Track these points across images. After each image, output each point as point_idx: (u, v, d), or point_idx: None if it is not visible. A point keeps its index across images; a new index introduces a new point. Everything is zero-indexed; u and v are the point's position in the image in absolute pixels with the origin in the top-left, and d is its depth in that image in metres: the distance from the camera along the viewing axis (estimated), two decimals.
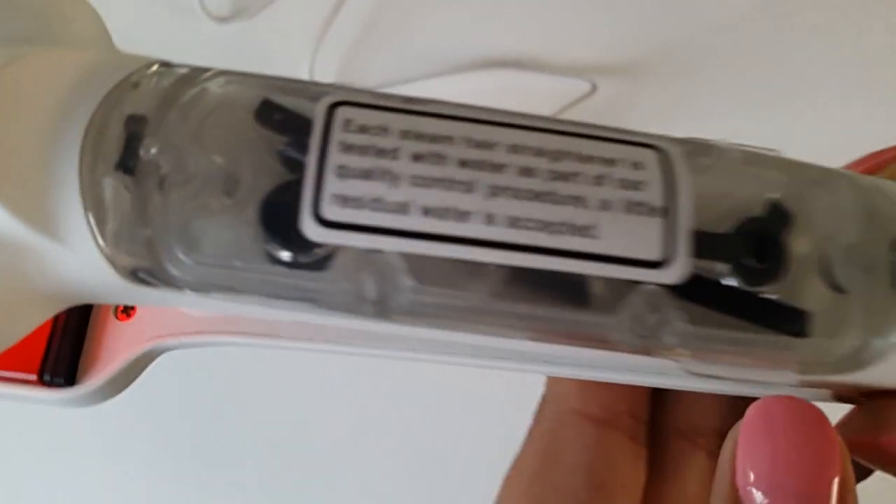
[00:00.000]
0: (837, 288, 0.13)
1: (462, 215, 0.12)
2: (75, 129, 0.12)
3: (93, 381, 0.17)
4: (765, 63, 0.44)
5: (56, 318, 0.17)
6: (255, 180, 0.12)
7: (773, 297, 0.13)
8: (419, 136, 0.12)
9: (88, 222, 0.12)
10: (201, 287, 0.12)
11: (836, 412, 0.15)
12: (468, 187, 0.12)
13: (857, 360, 0.13)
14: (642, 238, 0.12)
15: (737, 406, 0.18)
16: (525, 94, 0.43)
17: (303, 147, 0.12)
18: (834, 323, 0.13)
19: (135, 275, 0.12)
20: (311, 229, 0.11)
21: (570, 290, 0.13)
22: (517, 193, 0.12)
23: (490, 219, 0.12)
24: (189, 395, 0.40)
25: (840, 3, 0.43)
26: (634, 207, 0.12)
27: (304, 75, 0.41)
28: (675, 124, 0.48)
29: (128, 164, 0.12)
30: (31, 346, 0.17)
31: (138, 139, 0.12)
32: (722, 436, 0.18)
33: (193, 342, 0.17)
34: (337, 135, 0.12)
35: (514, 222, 0.12)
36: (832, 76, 0.43)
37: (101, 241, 0.12)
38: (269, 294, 0.12)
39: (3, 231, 0.11)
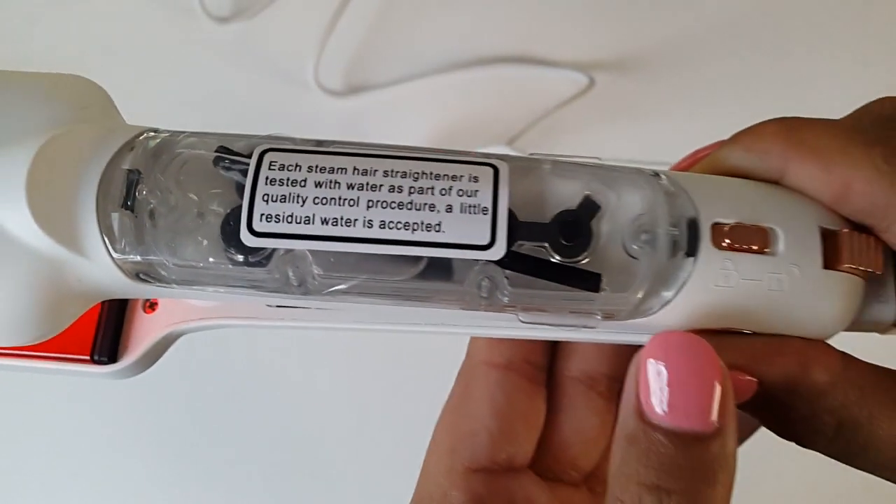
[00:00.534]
0: (631, 256, 0.18)
1: (349, 221, 0.17)
2: (93, 181, 0.18)
3: (129, 358, 0.24)
4: (759, 58, 0.46)
5: (100, 315, 0.24)
6: (217, 206, 0.18)
7: (578, 264, 0.18)
8: (321, 169, 0.18)
9: (104, 243, 0.18)
10: (184, 282, 0.18)
11: None
12: (354, 202, 0.17)
13: (643, 310, 0.18)
14: (475, 229, 0.17)
15: (624, 355, 0.23)
16: (525, 88, 0.45)
17: (244, 180, 0.18)
18: (623, 283, 0.18)
19: (138, 276, 0.18)
20: (247, 238, 0.17)
21: (437, 269, 0.18)
22: (388, 205, 0.17)
23: (369, 223, 0.17)
24: (191, 391, 0.43)
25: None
26: (470, 209, 0.17)
27: (308, 75, 0.43)
28: (669, 116, 0.52)
29: (128, 202, 0.18)
30: (83, 335, 0.24)
31: (134, 185, 0.18)
32: (613, 380, 0.23)
33: (199, 326, 0.23)
34: (264, 172, 0.17)
35: (385, 224, 0.17)
36: (828, 71, 0.45)
37: (113, 255, 0.18)
38: (229, 284, 0.18)
39: (50, 252, 0.17)
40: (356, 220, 0.17)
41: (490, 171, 0.18)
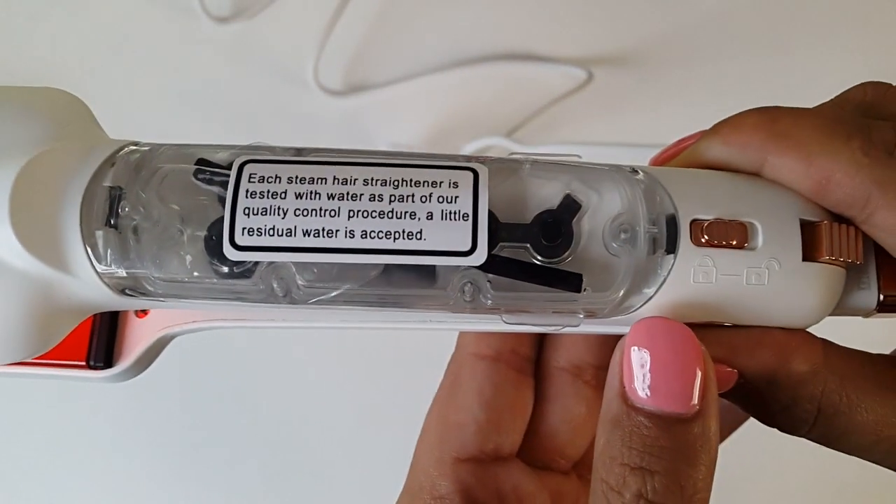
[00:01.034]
0: (611, 255, 0.18)
1: (331, 232, 0.17)
2: (75, 200, 0.18)
3: (124, 363, 0.24)
4: (757, 52, 0.46)
5: (94, 321, 0.24)
6: (199, 220, 0.18)
7: (559, 264, 0.18)
8: (301, 180, 0.18)
9: (90, 261, 0.18)
10: (170, 296, 0.18)
11: None
12: (335, 213, 0.17)
13: (625, 307, 0.18)
14: (456, 236, 0.17)
15: (610, 345, 0.23)
16: (524, 84, 0.46)
17: (225, 191, 0.18)
18: (604, 281, 0.18)
19: (123, 292, 0.18)
20: (230, 252, 0.17)
21: (422, 275, 0.18)
22: (368, 214, 0.17)
23: (350, 233, 0.17)
24: (190, 391, 0.44)
25: None
26: (450, 216, 0.17)
27: (308, 75, 0.43)
28: (667, 109, 0.53)
29: (111, 221, 0.18)
30: (78, 341, 0.24)
31: (117, 202, 0.18)
32: (599, 369, 0.24)
33: (191, 328, 0.23)
34: (244, 185, 0.17)
35: (366, 233, 0.17)
36: (826, 64, 0.45)
37: (99, 272, 0.18)
38: (215, 297, 0.18)
39: (37, 272, 0.18)
40: (337, 230, 0.17)
41: (470, 175, 0.18)
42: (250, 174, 0.18)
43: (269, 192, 0.17)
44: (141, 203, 0.18)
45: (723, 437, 0.26)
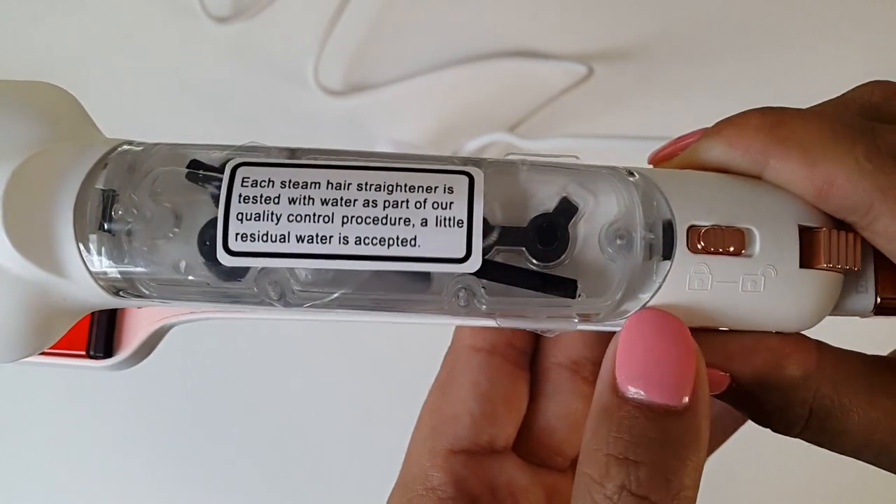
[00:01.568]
0: (608, 260, 0.18)
1: (324, 238, 0.17)
2: (68, 203, 0.18)
3: (124, 353, 0.24)
4: (759, 48, 0.45)
5: (93, 314, 0.24)
6: (193, 223, 0.18)
7: (555, 268, 0.18)
8: (294, 184, 0.17)
9: (85, 265, 0.18)
10: (164, 298, 0.18)
11: None
12: (328, 219, 0.17)
13: (620, 312, 0.18)
14: (451, 243, 0.17)
15: (608, 341, 0.23)
16: (525, 81, 0.46)
17: (218, 192, 0.17)
18: (600, 287, 0.18)
19: (118, 293, 0.18)
20: (223, 258, 0.17)
21: (415, 281, 0.18)
22: (363, 220, 0.17)
23: (345, 239, 0.17)
24: (190, 390, 0.44)
25: None
26: (444, 222, 0.17)
27: (308, 74, 0.43)
28: (669, 105, 0.53)
29: (104, 224, 0.18)
30: (79, 333, 0.24)
31: (110, 205, 0.18)
32: (597, 365, 0.24)
33: (188, 319, 0.23)
34: (237, 190, 0.17)
35: (361, 240, 0.17)
36: (828, 61, 0.44)
37: (93, 275, 0.18)
38: (209, 299, 0.18)
39: (32, 276, 0.18)
40: (331, 236, 0.17)
41: (465, 180, 0.18)
42: (243, 178, 0.18)
43: (262, 196, 0.17)
44: (134, 205, 0.18)
45: (720, 442, 0.26)
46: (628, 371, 0.17)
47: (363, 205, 0.17)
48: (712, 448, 0.26)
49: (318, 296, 0.18)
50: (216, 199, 0.18)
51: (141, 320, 0.24)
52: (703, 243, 0.17)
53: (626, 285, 0.18)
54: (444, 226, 0.17)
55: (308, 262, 0.17)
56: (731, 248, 0.18)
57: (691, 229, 0.18)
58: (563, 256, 0.18)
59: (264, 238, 0.17)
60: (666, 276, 0.18)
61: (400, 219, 0.17)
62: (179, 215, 0.18)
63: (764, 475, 0.41)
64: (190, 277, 0.18)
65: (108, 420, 0.44)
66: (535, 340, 0.25)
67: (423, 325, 0.21)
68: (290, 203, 0.17)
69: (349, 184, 0.17)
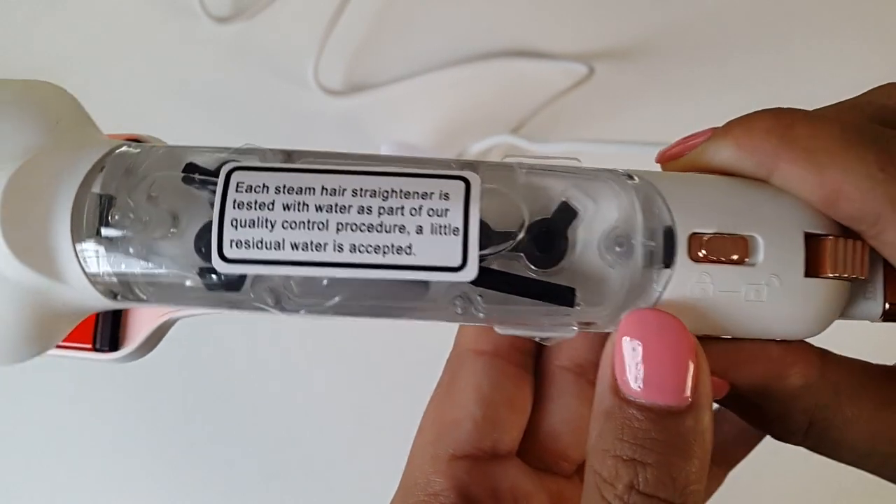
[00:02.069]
0: (607, 267, 0.18)
1: (319, 246, 0.17)
2: (65, 208, 0.18)
3: (129, 346, 0.24)
4: (761, 44, 0.45)
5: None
6: (189, 225, 0.18)
7: (553, 275, 0.17)
8: (289, 190, 0.17)
9: (82, 269, 0.18)
10: (160, 302, 0.18)
11: None
12: (323, 225, 0.17)
13: (620, 320, 0.18)
14: (446, 251, 0.17)
15: None
16: (526, 81, 0.45)
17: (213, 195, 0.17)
18: (599, 294, 0.17)
19: (115, 297, 0.18)
20: (219, 265, 0.17)
21: (413, 288, 0.18)
22: (357, 227, 0.17)
23: (339, 247, 0.17)
24: (191, 390, 0.44)
25: None
26: (440, 230, 0.17)
27: (308, 74, 0.43)
28: (670, 103, 0.52)
29: (100, 230, 0.18)
30: (86, 326, 0.24)
31: (106, 210, 0.18)
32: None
33: (190, 313, 0.23)
34: (231, 195, 0.17)
35: (355, 248, 0.17)
36: (831, 62, 0.44)
37: (91, 280, 0.18)
38: (205, 303, 0.18)
39: (31, 281, 0.18)
40: (326, 244, 0.17)
41: (461, 185, 0.17)
42: (237, 183, 0.17)
43: (256, 202, 0.17)
44: (130, 210, 0.18)
45: (737, 460, 0.25)
46: (628, 372, 0.17)
47: (358, 211, 0.17)
48: (737, 459, 0.26)
49: (314, 302, 0.18)
50: (212, 203, 0.17)
51: (146, 315, 0.24)
52: (704, 251, 0.17)
53: (625, 293, 0.17)
54: (440, 234, 0.17)
55: (302, 269, 0.17)
56: (734, 257, 0.17)
57: (693, 237, 0.17)
58: (561, 262, 0.18)
59: (259, 245, 0.17)
60: (666, 284, 0.17)
61: (395, 226, 0.17)
62: (176, 219, 0.18)
63: (763, 475, 0.41)
64: (187, 283, 0.18)
65: (108, 420, 0.44)
66: (539, 343, 0.24)
67: (427, 324, 0.21)
68: (284, 209, 0.17)
69: (344, 189, 0.17)
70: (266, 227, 0.17)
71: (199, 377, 0.44)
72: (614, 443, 0.17)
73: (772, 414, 0.18)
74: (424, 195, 0.17)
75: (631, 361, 0.17)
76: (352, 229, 0.17)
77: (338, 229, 0.17)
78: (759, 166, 0.18)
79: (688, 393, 0.16)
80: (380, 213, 0.17)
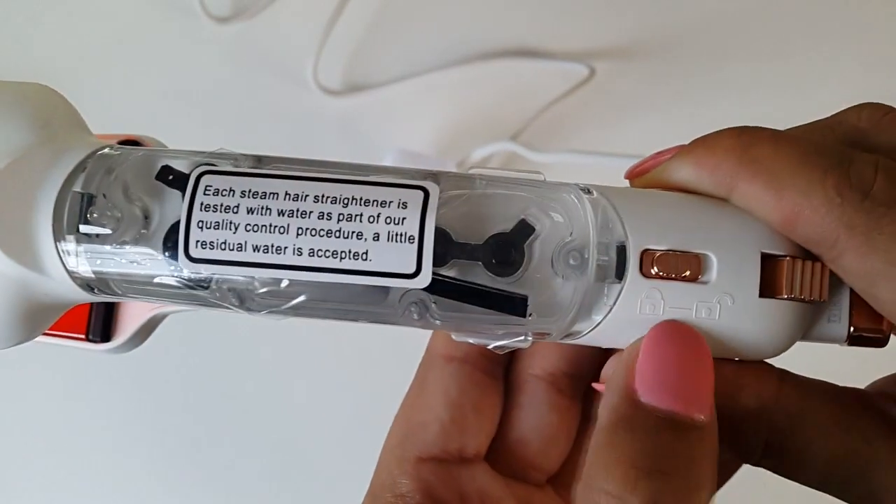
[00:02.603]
0: (561, 279, 0.18)
1: (279, 249, 0.18)
2: (48, 205, 0.18)
3: (120, 338, 0.25)
4: (760, 47, 0.44)
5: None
6: (161, 225, 0.19)
7: (507, 287, 0.18)
8: (253, 195, 0.18)
9: (63, 264, 0.19)
10: (135, 296, 0.19)
11: None
12: (284, 230, 0.18)
13: (574, 332, 0.18)
14: (401, 258, 0.17)
15: (585, 354, 0.23)
16: (526, 82, 0.45)
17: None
18: (552, 307, 0.18)
19: (93, 291, 0.19)
20: (184, 263, 0.18)
21: (372, 293, 0.18)
22: (316, 232, 0.18)
23: (298, 251, 0.18)
24: (191, 390, 0.44)
25: None
26: (396, 237, 0.17)
27: (307, 74, 0.44)
28: (672, 103, 0.52)
29: (79, 227, 0.19)
30: (80, 317, 0.25)
31: (85, 207, 0.19)
32: (573, 378, 0.24)
33: (177, 309, 0.24)
34: (199, 198, 0.18)
35: (314, 252, 0.18)
36: (833, 63, 0.43)
37: (70, 273, 0.19)
38: (175, 299, 0.19)
39: (14, 272, 0.19)
40: (286, 247, 0.18)
41: (420, 195, 0.18)
42: (206, 186, 0.18)
43: (222, 205, 0.18)
44: (107, 208, 0.19)
45: (721, 483, 0.25)
46: (653, 382, 0.17)
47: (318, 217, 0.18)
48: (721, 482, 0.26)
49: (276, 303, 0.18)
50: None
51: (138, 308, 0.25)
52: (656, 268, 0.17)
53: (578, 306, 0.18)
54: (396, 241, 0.17)
55: (262, 271, 0.18)
56: (686, 274, 0.17)
57: (645, 253, 0.17)
58: (517, 274, 0.18)
59: (222, 246, 0.18)
60: (617, 299, 0.17)
61: (352, 232, 0.17)
62: (149, 219, 0.19)
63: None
64: (156, 280, 0.19)
65: (108, 420, 0.45)
66: (512, 351, 0.24)
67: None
68: (248, 213, 0.18)
69: (307, 195, 0.18)
70: (230, 229, 0.18)
71: (200, 377, 0.45)
72: (632, 452, 0.16)
73: (724, 434, 0.18)
74: (383, 203, 0.18)
75: (658, 371, 0.17)
76: (311, 234, 0.18)
77: (298, 234, 0.18)
78: (718, 185, 0.18)
79: (709, 408, 0.16)
80: (339, 220, 0.18)
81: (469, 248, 0.18)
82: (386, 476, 0.22)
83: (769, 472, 0.19)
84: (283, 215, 0.18)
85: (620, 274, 0.17)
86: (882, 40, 0.44)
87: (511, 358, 0.24)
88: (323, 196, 0.18)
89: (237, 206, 0.18)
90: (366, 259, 0.17)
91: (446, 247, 0.18)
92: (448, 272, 0.18)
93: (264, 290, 0.18)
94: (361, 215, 0.18)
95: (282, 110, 0.44)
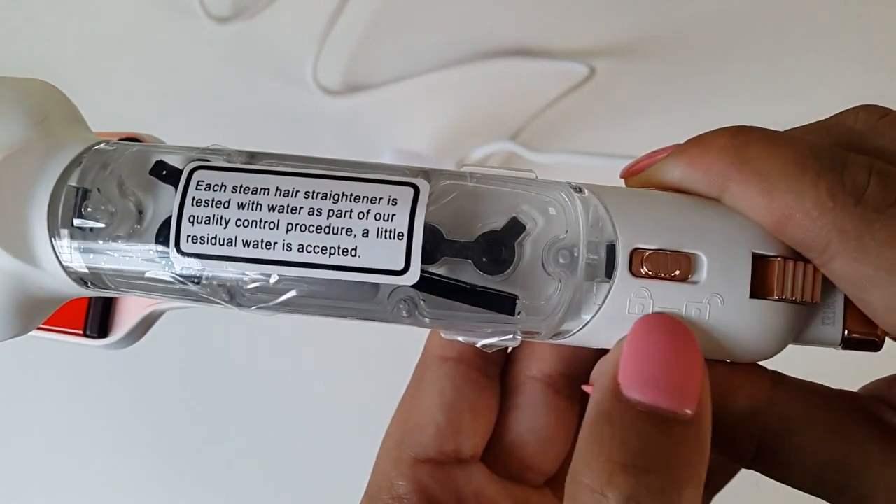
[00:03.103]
0: (551, 278, 0.18)
1: (269, 244, 0.18)
2: (43, 199, 0.19)
3: (117, 334, 0.25)
4: (760, 47, 0.44)
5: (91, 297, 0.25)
6: (155, 220, 0.19)
7: (496, 285, 0.18)
8: (245, 190, 0.18)
9: (57, 258, 0.19)
10: (128, 290, 0.19)
11: None
12: (274, 225, 0.18)
13: (563, 331, 0.18)
14: (390, 255, 0.17)
15: (581, 355, 0.23)
16: (526, 82, 0.45)
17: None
18: (540, 305, 0.18)
19: (87, 285, 0.19)
20: (175, 258, 0.18)
21: (362, 290, 0.18)
22: (306, 228, 0.18)
23: (288, 246, 0.18)
24: (191, 390, 0.44)
25: None
26: (386, 234, 0.17)
27: (307, 74, 0.44)
28: (670, 106, 0.52)
29: (73, 221, 0.19)
30: (77, 313, 0.26)
31: (80, 202, 0.19)
32: (570, 378, 0.23)
33: (173, 306, 0.24)
34: (191, 193, 0.18)
35: (303, 247, 0.18)
36: (834, 63, 0.43)
37: (64, 267, 0.19)
38: (168, 294, 0.19)
39: (9, 266, 0.19)
40: (276, 242, 0.18)
41: (410, 192, 0.18)
42: (198, 181, 0.18)
43: (213, 200, 0.18)
44: (101, 203, 0.19)
45: (721, 485, 0.25)
46: (636, 376, 0.16)
47: (308, 213, 0.18)
48: (721, 484, 0.26)
49: (266, 299, 0.19)
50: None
51: (135, 304, 0.25)
52: (646, 267, 0.17)
53: (567, 305, 0.18)
54: (385, 238, 0.17)
55: (252, 266, 0.18)
56: (676, 274, 0.17)
57: (635, 252, 0.17)
58: (507, 272, 0.18)
59: (213, 241, 0.18)
60: (605, 298, 0.17)
61: (342, 228, 0.18)
62: (142, 214, 0.19)
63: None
64: (147, 274, 0.19)
65: (108, 420, 0.45)
66: (506, 350, 0.24)
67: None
68: (238, 208, 0.18)
69: (297, 191, 0.18)
70: (221, 224, 0.18)
71: (199, 377, 0.45)
72: (612, 446, 0.16)
73: (717, 436, 0.18)
74: (373, 200, 0.18)
75: (641, 364, 0.16)
76: (301, 230, 0.18)
77: (287, 229, 0.18)
78: (710, 185, 0.18)
79: (695, 402, 0.16)
80: (329, 216, 0.18)
81: (459, 245, 0.18)
82: (383, 478, 0.22)
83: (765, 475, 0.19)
84: (274, 211, 0.18)
85: (610, 273, 0.17)
86: (882, 41, 0.43)
87: (508, 359, 0.24)
88: (313, 192, 0.18)
89: (228, 202, 0.18)
90: (355, 255, 0.17)
91: (436, 244, 0.18)
92: (438, 269, 0.18)
93: (254, 285, 0.18)
94: (351, 211, 0.18)
95: (281, 110, 0.44)
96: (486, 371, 0.24)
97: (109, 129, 0.24)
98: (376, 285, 0.18)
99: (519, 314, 0.18)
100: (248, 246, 0.18)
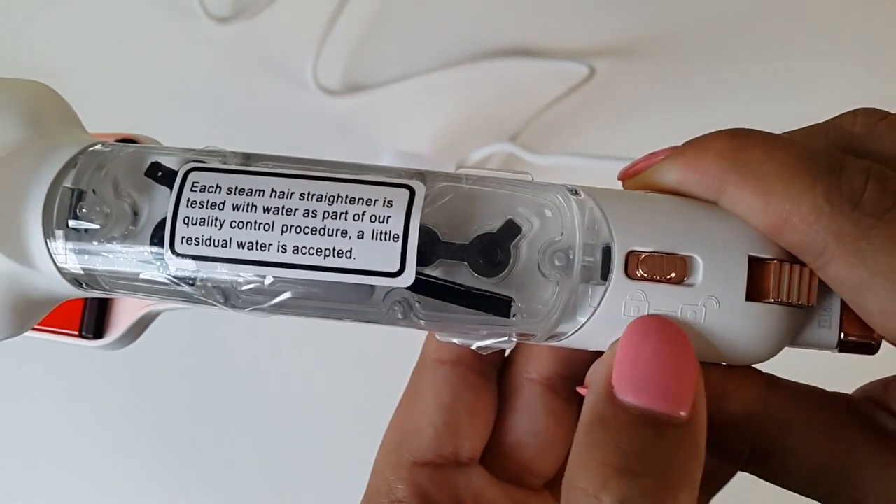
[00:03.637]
0: (546, 280, 0.18)
1: (263, 246, 0.18)
2: (38, 200, 0.19)
3: (112, 335, 0.25)
4: (760, 48, 0.44)
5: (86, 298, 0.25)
6: (150, 221, 0.19)
7: (492, 287, 0.18)
8: (240, 191, 0.18)
9: (52, 259, 0.19)
10: (122, 291, 0.19)
11: None
12: (269, 227, 0.18)
13: (558, 333, 0.18)
14: (385, 257, 0.17)
15: (579, 357, 0.23)
16: (525, 82, 0.45)
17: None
18: (536, 307, 0.18)
19: (82, 286, 0.19)
20: (170, 259, 0.18)
21: (357, 292, 0.18)
22: (301, 230, 0.18)
23: (283, 248, 0.18)
24: (191, 390, 0.44)
25: None
26: (381, 236, 0.17)
27: (307, 74, 0.44)
28: (670, 106, 0.52)
29: (68, 222, 0.19)
30: (73, 314, 0.26)
31: (75, 203, 0.19)
32: (569, 380, 0.23)
33: (171, 307, 0.24)
34: (186, 193, 0.18)
35: (298, 249, 0.17)
36: (829, 61, 0.43)
37: (59, 268, 0.19)
38: (162, 295, 0.19)
39: (9, 269, 0.19)
40: (270, 244, 0.18)
41: (406, 193, 0.18)
42: (193, 182, 0.18)
43: (208, 202, 0.18)
44: (96, 204, 0.19)
45: (719, 487, 0.25)
46: (630, 379, 0.16)
47: (303, 214, 0.18)
48: (719, 486, 0.25)
49: (260, 300, 0.18)
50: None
51: (130, 305, 0.25)
52: (641, 270, 0.17)
53: (562, 307, 0.17)
54: (380, 239, 0.17)
55: (247, 268, 0.18)
56: (672, 276, 0.17)
57: (630, 254, 0.17)
58: (503, 274, 0.18)
59: (207, 242, 0.18)
60: (601, 300, 0.17)
61: (337, 230, 0.17)
62: (137, 215, 0.19)
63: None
64: (142, 275, 0.19)
65: (108, 420, 0.45)
66: (503, 352, 0.24)
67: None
68: (233, 209, 0.18)
69: (292, 193, 0.18)
70: (215, 225, 0.18)
71: (199, 377, 0.45)
72: (607, 450, 0.16)
73: (711, 438, 0.18)
74: (369, 201, 0.18)
75: (634, 367, 0.16)
76: (296, 231, 0.18)
77: (282, 231, 0.18)
78: (707, 188, 0.18)
79: (689, 404, 0.16)
80: (324, 217, 0.18)
81: (455, 247, 0.18)
82: (381, 482, 0.22)
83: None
84: (269, 212, 0.18)
85: (605, 275, 0.17)
86: (882, 41, 0.43)
87: (507, 361, 0.24)
88: (308, 194, 0.18)
89: (223, 203, 0.18)
90: (350, 257, 0.17)
91: (432, 246, 0.18)
92: (433, 272, 0.18)
93: (249, 287, 0.18)
94: (346, 213, 0.18)
95: (281, 110, 0.44)
96: (483, 373, 0.23)
97: (109, 129, 0.24)
98: (371, 287, 0.18)
99: (514, 316, 0.18)
100: (243, 247, 0.18)
